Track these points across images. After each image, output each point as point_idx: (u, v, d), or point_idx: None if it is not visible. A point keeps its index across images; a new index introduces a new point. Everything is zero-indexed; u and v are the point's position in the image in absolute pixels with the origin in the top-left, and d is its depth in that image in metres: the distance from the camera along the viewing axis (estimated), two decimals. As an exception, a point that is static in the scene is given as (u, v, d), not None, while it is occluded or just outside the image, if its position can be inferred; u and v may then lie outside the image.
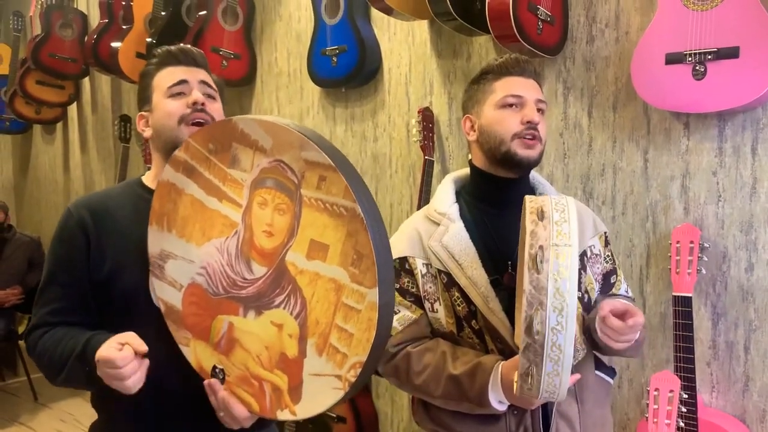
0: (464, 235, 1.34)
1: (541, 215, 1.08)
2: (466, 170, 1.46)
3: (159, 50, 1.36)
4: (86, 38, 3.84)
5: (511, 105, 1.32)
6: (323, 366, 1.03)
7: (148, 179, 1.38)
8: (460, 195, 1.43)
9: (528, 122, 1.30)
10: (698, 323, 1.75)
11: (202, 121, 1.28)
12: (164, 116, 1.30)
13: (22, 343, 4.35)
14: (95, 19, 3.92)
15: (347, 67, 2.54)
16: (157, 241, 1.23)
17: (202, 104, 1.29)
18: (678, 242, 1.69)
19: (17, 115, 4.73)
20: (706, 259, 1.69)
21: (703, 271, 1.69)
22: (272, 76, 3.11)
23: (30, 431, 3.75)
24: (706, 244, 1.69)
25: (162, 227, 1.22)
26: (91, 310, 1.29)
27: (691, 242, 1.67)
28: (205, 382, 1.18)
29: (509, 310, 1.30)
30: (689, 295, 1.65)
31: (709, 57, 1.58)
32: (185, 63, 1.34)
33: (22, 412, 4.03)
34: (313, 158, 1.01)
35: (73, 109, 4.89)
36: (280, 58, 3.06)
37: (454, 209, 1.38)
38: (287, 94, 3.04)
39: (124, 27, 3.57)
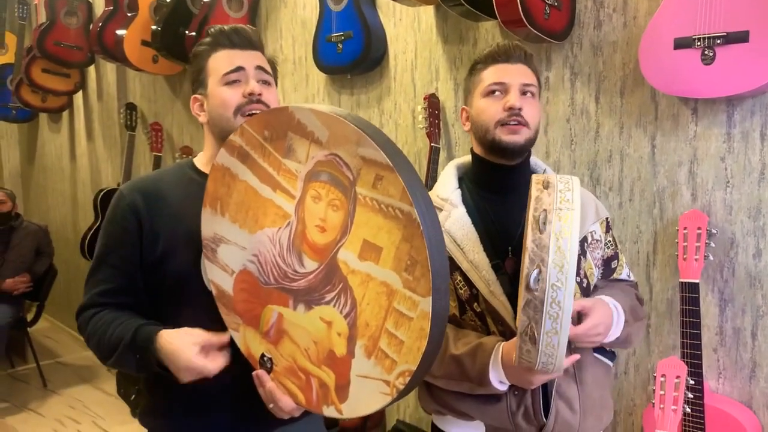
0: (466, 219, 1.35)
1: (546, 185, 1.12)
2: (469, 157, 1.47)
3: (212, 29, 1.33)
4: (91, 26, 3.84)
5: (494, 92, 1.33)
6: (371, 369, 1.01)
7: (200, 162, 1.39)
8: (462, 181, 1.44)
9: (510, 108, 1.30)
10: (705, 309, 1.74)
11: (257, 112, 1.27)
12: (220, 105, 1.29)
13: (31, 330, 4.39)
14: (100, 7, 3.91)
15: (353, 53, 2.53)
16: (210, 224, 1.23)
17: (259, 94, 1.28)
18: (685, 228, 1.69)
19: (23, 103, 4.74)
20: (713, 245, 1.68)
21: (711, 258, 1.68)
22: (277, 63, 3.10)
23: (39, 417, 3.79)
24: (713, 230, 1.68)
25: (216, 210, 1.21)
26: (140, 291, 1.31)
27: (699, 228, 1.67)
28: (254, 373, 1.19)
29: (510, 293, 1.31)
30: (696, 281, 1.65)
31: (718, 41, 1.56)
32: (240, 46, 1.31)
33: (31, 399, 4.06)
34: (370, 155, 0.97)
35: (78, 97, 4.90)
36: (285, 45, 3.05)
37: (456, 195, 1.39)
38: (293, 81, 3.03)
39: (129, 14, 3.56)
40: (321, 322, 1.07)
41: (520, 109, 1.31)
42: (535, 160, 1.45)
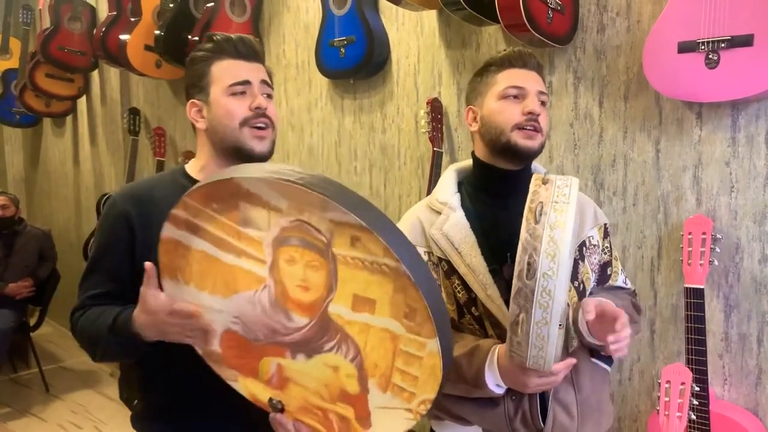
0: (464, 223, 1.36)
1: (545, 181, 1.14)
2: (469, 161, 1.47)
3: (217, 36, 1.32)
4: (95, 31, 3.85)
5: (512, 96, 1.33)
6: (390, 401, 0.98)
7: (193, 169, 1.39)
8: (462, 185, 1.45)
9: (529, 113, 1.31)
10: (710, 315, 1.73)
11: (263, 126, 1.28)
12: (225, 115, 1.28)
13: (33, 335, 4.39)
14: (104, 12, 3.92)
15: (355, 58, 2.52)
16: (176, 294, 1.14)
17: (265, 108, 1.28)
18: (690, 233, 1.68)
19: (27, 108, 4.76)
20: (718, 250, 1.67)
21: (716, 263, 1.67)
22: (280, 68, 3.10)
23: (42, 422, 3.78)
24: (718, 236, 1.67)
25: (178, 280, 1.13)
26: (130, 299, 1.29)
27: (704, 233, 1.65)
28: (270, 416, 1.15)
29: (508, 298, 1.30)
30: (701, 286, 1.64)
31: (723, 45, 1.55)
32: (246, 57, 1.31)
33: (33, 404, 4.06)
34: (340, 219, 0.91)
35: (82, 102, 4.91)
36: (288, 49, 3.05)
37: (455, 199, 1.40)
38: (295, 86, 3.03)
39: (132, 19, 3.57)
40: (326, 367, 1.03)
41: (538, 115, 1.32)
42: (535, 165, 1.45)
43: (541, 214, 1.08)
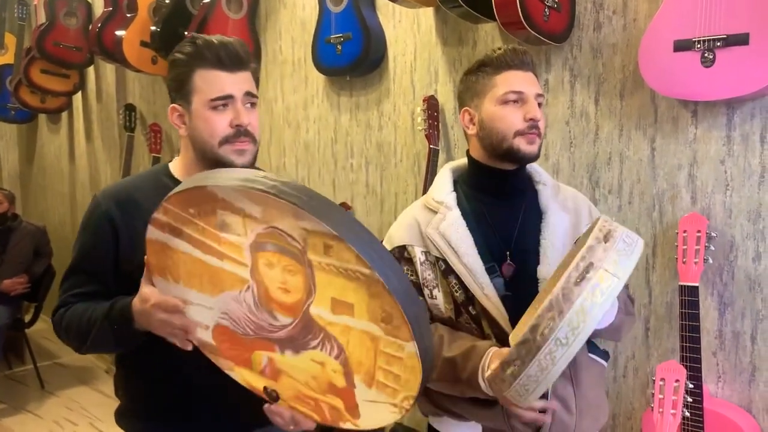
0: (461, 222, 1.36)
1: (607, 237, 1.03)
2: (465, 160, 1.46)
3: (198, 41, 1.26)
4: (90, 27, 3.83)
5: (512, 101, 1.33)
6: (376, 395, 1.01)
7: (176, 168, 1.37)
8: (458, 184, 1.44)
9: (531, 119, 1.32)
10: (705, 313, 1.74)
11: (244, 149, 1.26)
12: (205, 130, 1.26)
13: (28, 331, 4.38)
14: (99, 8, 3.90)
15: (352, 55, 2.52)
16: (167, 291, 1.16)
17: (248, 124, 1.26)
18: (685, 231, 1.68)
19: (22, 104, 4.73)
20: (713, 248, 1.68)
21: (710, 261, 1.67)
22: (276, 65, 3.10)
23: (37, 419, 3.78)
24: (713, 234, 1.67)
25: (168, 279, 1.15)
26: (113, 297, 1.30)
27: (698, 231, 1.66)
28: (265, 407, 1.17)
29: (505, 297, 1.32)
30: (696, 284, 1.64)
31: (718, 44, 1.56)
32: (229, 67, 1.25)
33: (29, 400, 4.05)
34: (311, 227, 0.92)
35: (78, 98, 4.89)
36: (285, 46, 3.05)
37: (451, 198, 1.40)
38: (291, 82, 3.03)
39: (128, 15, 3.56)
40: (314, 363, 1.05)
41: (539, 120, 1.32)
42: (532, 165, 1.45)
43: (584, 279, 0.98)
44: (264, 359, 1.11)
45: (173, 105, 1.31)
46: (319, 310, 0.99)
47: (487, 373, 1.15)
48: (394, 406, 1.00)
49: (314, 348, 1.03)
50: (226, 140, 1.25)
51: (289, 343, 1.06)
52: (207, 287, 1.10)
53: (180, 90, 1.28)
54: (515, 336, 1.25)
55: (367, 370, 0.99)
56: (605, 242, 1.02)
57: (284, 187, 0.94)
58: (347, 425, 1.08)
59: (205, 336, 1.17)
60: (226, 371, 1.20)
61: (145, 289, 1.16)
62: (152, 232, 1.12)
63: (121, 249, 1.30)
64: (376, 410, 1.02)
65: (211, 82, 1.25)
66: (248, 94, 1.28)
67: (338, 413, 1.07)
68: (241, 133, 1.25)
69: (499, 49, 1.37)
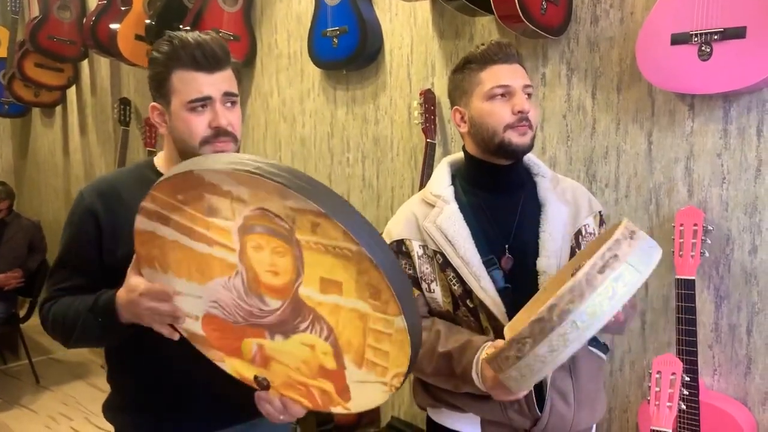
0: (458, 216, 1.36)
1: (632, 235, 1.05)
2: (462, 154, 1.46)
3: (175, 41, 1.23)
4: (85, 20, 3.81)
5: (499, 95, 1.33)
6: (366, 375, 1.02)
7: (160, 161, 1.37)
8: (455, 178, 1.44)
9: (519, 112, 1.31)
10: (701, 306, 1.74)
11: (225, 149, 1.25)
12: (184, 131, 1.25)
13: (23, 326, 4.36)
14: (93, 1, 3.88)
15: (348, 48, 2.51)
16: (156, 281, 1.16)
17: (227, 125, 1.24)
18: (681, 225, 1.68)
19: (16, 98, 4.71)
20: (709, 241, 1.68)
21: (707, 254, 1.68)
22: (272, 58, 3.09)
23: (32, 414, 3.77)
24: (709, 227, 1.68)
25: (156, 269, 1.15)
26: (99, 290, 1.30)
27: (695, 225, 1.66)
28: (256, 395, 1.17)
29: (502, 290, 1.32)
30: (692, 278, 1.65)
31: (716, 37, 1.56)
32: (206, 68, 1.22)
33: (23, 395, 4.04)
34: (298, 206, 0.93)
35: (72, 92, 4.86)
36: (280, 39, 3.03)
37: (449, 191, 1.40)
38: (287, 76, 3.02)
39: (122, 8, 3.54)
40: (304, 346, 1.06)
41: (528, 112, 1.32)
42: (530, 157, 1.45)
43: (608, 267, 1.00)
44: (254, 347, 1.12)
45: (153, 104, 1.30)
46: (309, 291, 1.01)
47: (490, 351, 1.15)
48: (384, 384, 1.01)
49: (304, 331, 1.05)
50: (205, 141, 1.24)
51: (278, 327, 1.07)
52: (196, 275, 1.11)
53: (159, 89, 1.27)
54: (510, 329, 1.25)
55: (356, 350, 1.01)
56: (631, 239, 1.04)
57: (270, 167, 0.95)
58: (338, 409, 1.09)
59: (194, 327, 1.17)
60: (217, 363, 1.20)
61: (132, 279, 1.16)
62: (140, 222, 1.12)
63: (104, 242, 1.30)
64: (366, 390, 1.04)
65: (188, 83, 1.23)
66: (227, 93, 1.26)
67: (329, 397, 1.09)
68: (220, 133, 1.24)
69: (483, 44, 1.36)
